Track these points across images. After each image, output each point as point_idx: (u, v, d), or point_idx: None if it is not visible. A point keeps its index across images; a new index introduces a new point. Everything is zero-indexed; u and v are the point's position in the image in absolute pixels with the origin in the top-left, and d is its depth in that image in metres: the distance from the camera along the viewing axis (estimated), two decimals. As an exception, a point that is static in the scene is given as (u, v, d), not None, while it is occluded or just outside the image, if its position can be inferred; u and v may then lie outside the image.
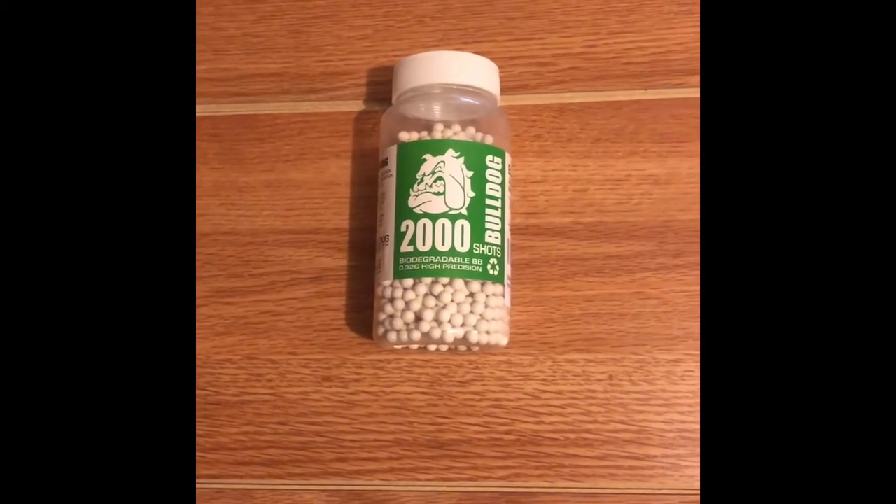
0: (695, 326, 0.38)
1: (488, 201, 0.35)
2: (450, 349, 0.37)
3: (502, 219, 0.36)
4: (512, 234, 0.38)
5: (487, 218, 0.35)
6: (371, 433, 0.38)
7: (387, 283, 0.35)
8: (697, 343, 0.37)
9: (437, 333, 0.34)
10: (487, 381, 0.38)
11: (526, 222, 0.39)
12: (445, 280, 0.34)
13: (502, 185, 0.36)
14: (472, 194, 0.35)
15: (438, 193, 0.34)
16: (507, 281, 0.36)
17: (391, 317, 0.35)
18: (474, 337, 0.34)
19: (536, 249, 0.39)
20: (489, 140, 0.36)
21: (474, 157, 0.35)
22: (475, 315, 0.34)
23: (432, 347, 0.37)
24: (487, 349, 0.37)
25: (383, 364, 0.38)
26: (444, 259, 0.34)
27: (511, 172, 0.38)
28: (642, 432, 0.37)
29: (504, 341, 0.36)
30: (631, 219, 0.39)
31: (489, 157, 0.35)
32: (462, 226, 0.34)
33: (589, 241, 0.39)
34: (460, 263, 0.34)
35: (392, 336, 0.35)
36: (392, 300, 0.35)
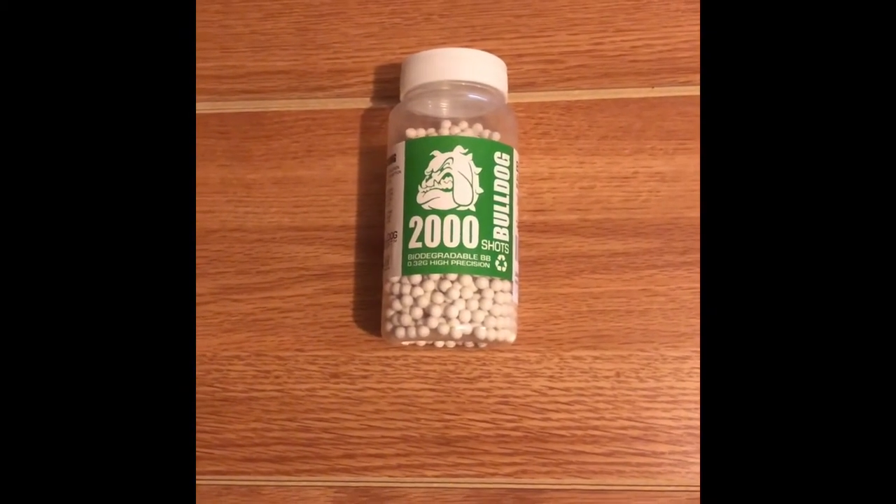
0: (702, 323, 0.38)
1: (496, 198, 0.35)
2: (457, 346, 0.37)
3: (510, 215, 0.36)
4: (519, 231, 0.38)
5: (495, 214, 0.35)
6: (378, 430, 0.38)
7: (395, 279, 0.35)
8: (705, 340, 0.37)
9: (445, 330, 0.34)
10: (495, 378, 0.38)
11: (533, 219, 0.39)
12: (454, 276, 0.34)
13: (510, 181, 0.36)
14: (481, 191, 0.35)
15: (447, 190, 0.35)
16: (514, 277, 0.36)
17: (399, 313, 0.35)
18: (482, 333, 0.34)
19: (543, 246, 0.39)
20: (497, 137, 0.36)
21: (482, 153, 0.35)
22: (483, 311, 0.34)
23: (440, 344, 0.37)
24: (495, 346, 0.37)
25: (391, 361, 0.38)
26: (453, 255, 0.34)
27: (518, 169, 0.38)
28: (649, 429, 0.37)
29: (512, 338, 0.36)
30: (638, 216, 0.39)
31: (497, 154, 0.35)
32: (470, 222, 0.34)
33: (596, 239, 0.39)
34: (468, 260, 0.34)
35: (400, 332, 0.35)
36: (400, 296, 0.35)
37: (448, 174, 0.35)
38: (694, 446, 0.37)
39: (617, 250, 0.38)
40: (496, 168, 0.35)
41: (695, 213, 0.38)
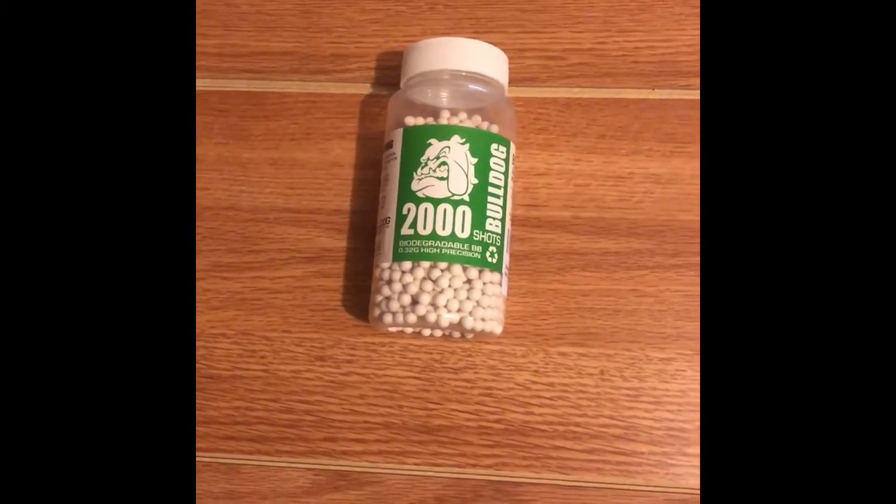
0: (689, 326, 0.38)
1: (491, 189, 0.35)
2: (444, 335, 0.37)
3: (504, 208, 0.36)
4: (512, 225, 0.38)
5: (489, 206, 0.35)
6: (361, 415, 0.38)
7: (385, 265, 0.35)
8: (690, 343, 0.38)
9: (432, 317, 0.34)
10: (479, 370, 0.38)
11: (526, 214, 0.39)
12: (444, 265, 0.34)
13: (506, 174, 0.36)
14: (476, 181, 0.35)
15: (442, 178, 0.35)
16: (504, 270, 0.36)
17: (388, 299, 0.35)
18: (469, 323, 0.34)
19: (535, 242, 0.39)
20: (495, 129, 0.36)
21: (479, 144, 0.35)
22: (471, 301, 0.34)
23: (426, 332, 0.37)
24: (481, 337, 0.37)
25: (377, 347, 0.39)
26: (444, 244, 0.34)
27: (514, 163, 0.38)
28: (631, 428, 0.37)
29: (498, 329, 0.36)
30: (631, 216, 0.39)
31: (494, 146, 0.36)
32: (463, 212, 0.34)
33: (588, 237, 0.39)
34: (460, 249, 0.34)
35: (388, 318, 0.35)
36: (390, 282, 0.35)
37: (444, 163, 0.35)
38: (674, 448, 0.37)
39: (608, 249, 0.39)
40: (492, 160, 0.35)
41: (688, 217, 0.39)
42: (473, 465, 0.37)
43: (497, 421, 0.38)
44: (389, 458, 0.38)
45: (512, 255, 0.38)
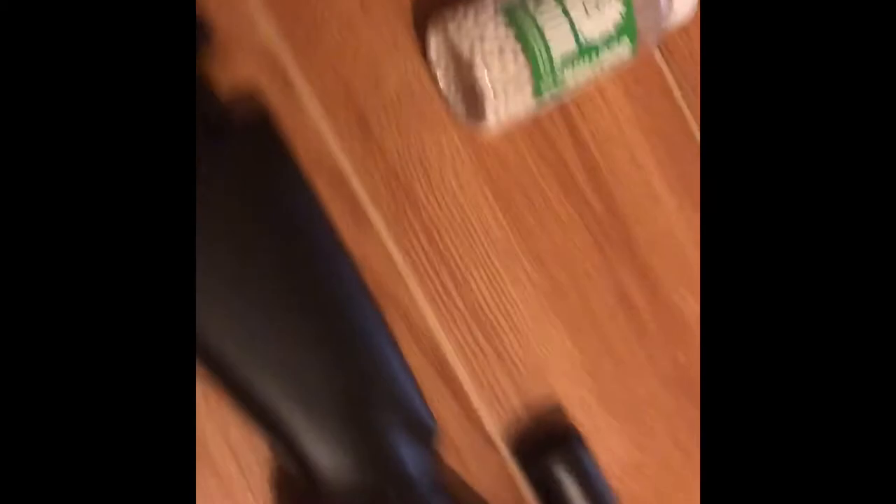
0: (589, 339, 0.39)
1: (600, 56, 0.36)
2: (446, 89, 0.37)
3: (583, 83, 0.37)
4: (565, 126, 0.39)
5: (588, 66, 0.36)
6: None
7: (489, 12, 0.35)
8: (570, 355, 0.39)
9: (467, 60, 0.34)
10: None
11: (580, 126, 0.40)
12: (524, 58, 0.35)
13: (606, 69, 0.37)
14: (599, 42, 0.36)
15: (590, 17, 0.36)
16: (539, 112, 0.37)
17: (460, 25, 0.35)
18: (489, 94, 0.34)
19: (562, 157, 0.39)
20: (635, 45, 0.37)
21: (627, 32, 0.36)
22: (503, 96, 0.35)
23: (442, 79, 0.37)
24: (472, 119, 0.37)
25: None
26: (539, 52, 0.35)
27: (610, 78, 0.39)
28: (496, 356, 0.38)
29: (489, 128, 0.36)
30: (631, 229, 0.40)
31: (625, 44, 0.37)
32: (572, 46, 0.35)
33: (598, 209, 0.40)
34: (543, 67, 0.35)
35: (438, 36, 0.36)
36: (476, 20, 0.35)
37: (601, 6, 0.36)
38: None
39: (608, 232, 0.40)
40: (619, 49, 0.37)
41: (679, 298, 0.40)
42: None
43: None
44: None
45: (540, 128, 0.39)
